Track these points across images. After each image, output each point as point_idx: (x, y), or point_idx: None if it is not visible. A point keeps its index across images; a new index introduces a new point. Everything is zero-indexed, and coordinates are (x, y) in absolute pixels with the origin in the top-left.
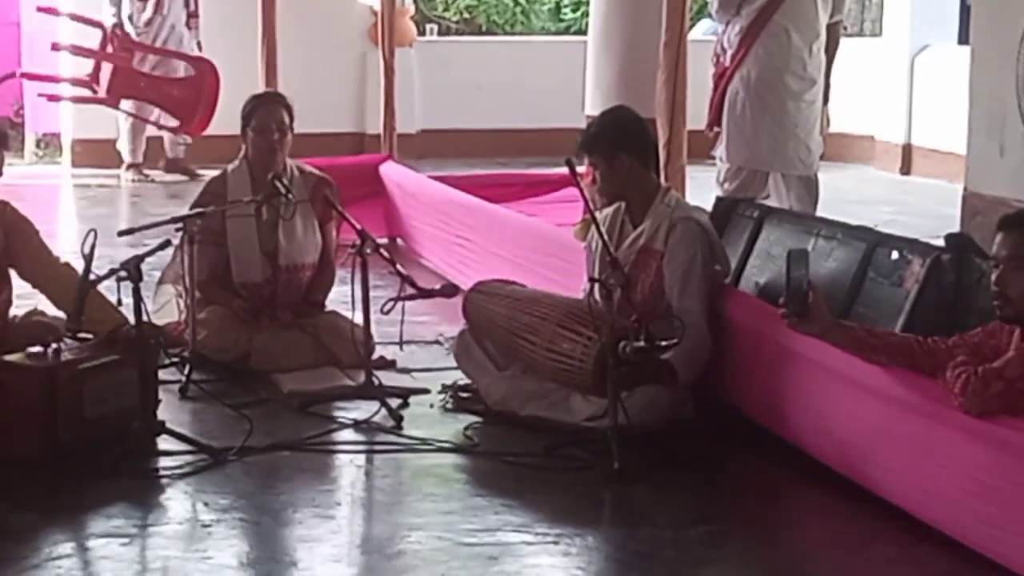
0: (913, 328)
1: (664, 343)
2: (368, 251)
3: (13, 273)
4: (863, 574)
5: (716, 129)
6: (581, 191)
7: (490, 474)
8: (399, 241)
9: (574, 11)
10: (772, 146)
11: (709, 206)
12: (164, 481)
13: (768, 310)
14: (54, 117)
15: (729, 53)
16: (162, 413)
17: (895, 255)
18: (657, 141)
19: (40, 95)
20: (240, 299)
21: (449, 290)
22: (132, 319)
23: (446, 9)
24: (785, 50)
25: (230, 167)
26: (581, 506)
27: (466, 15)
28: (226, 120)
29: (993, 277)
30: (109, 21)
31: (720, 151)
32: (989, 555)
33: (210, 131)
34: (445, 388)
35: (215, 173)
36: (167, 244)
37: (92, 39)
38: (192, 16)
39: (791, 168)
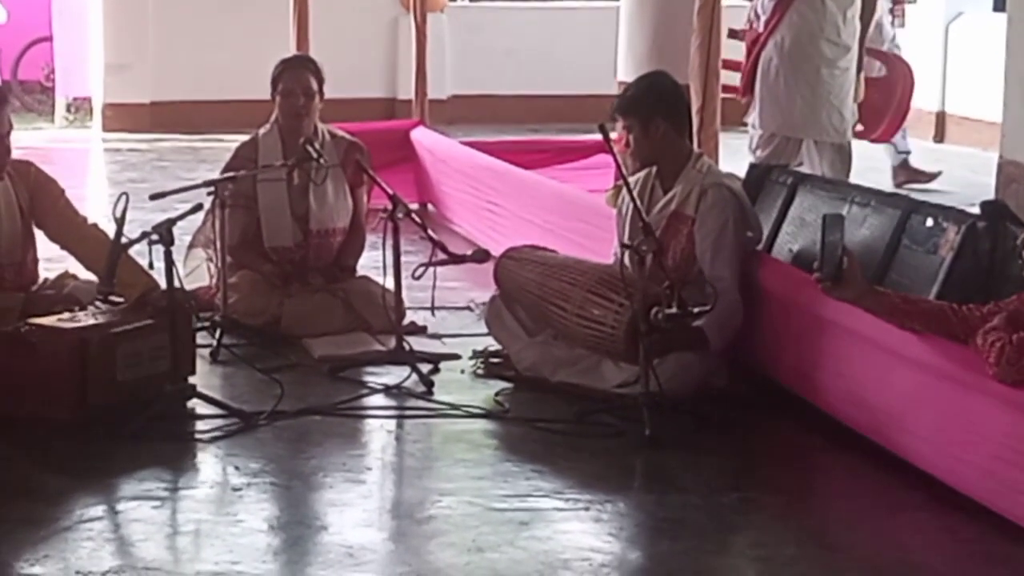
0: (947, 296)
1: (696, 310)
2: (399, 216)
3: (41, 235)
4: (893, 541)
5: (748, 96)
6: (614, 156)
7: (521, 440)
8: (430, 207)
9: None
10: (805, 113)
11: (742, 173)
12: (195, 445)
13: (801, 277)
14: (84, 81)
15: (763, 19)
16: (193, 377)
17: (930, 222)
18: (690, 107)
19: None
20: (271, 263)
21: (480, 256)
22: (163, 283)
23: None
24: (820, 16)
25: (261, 131)
26: (612, 472)
27: None
28: (256, 85)
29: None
30: None
31: (753, 118)
32: (1020, 522)
33: (238, 95)
34: (476, 354)
35: (246, 137)
36: (198, 208)
37: None
38: (897, 3)
39: (824, 135)
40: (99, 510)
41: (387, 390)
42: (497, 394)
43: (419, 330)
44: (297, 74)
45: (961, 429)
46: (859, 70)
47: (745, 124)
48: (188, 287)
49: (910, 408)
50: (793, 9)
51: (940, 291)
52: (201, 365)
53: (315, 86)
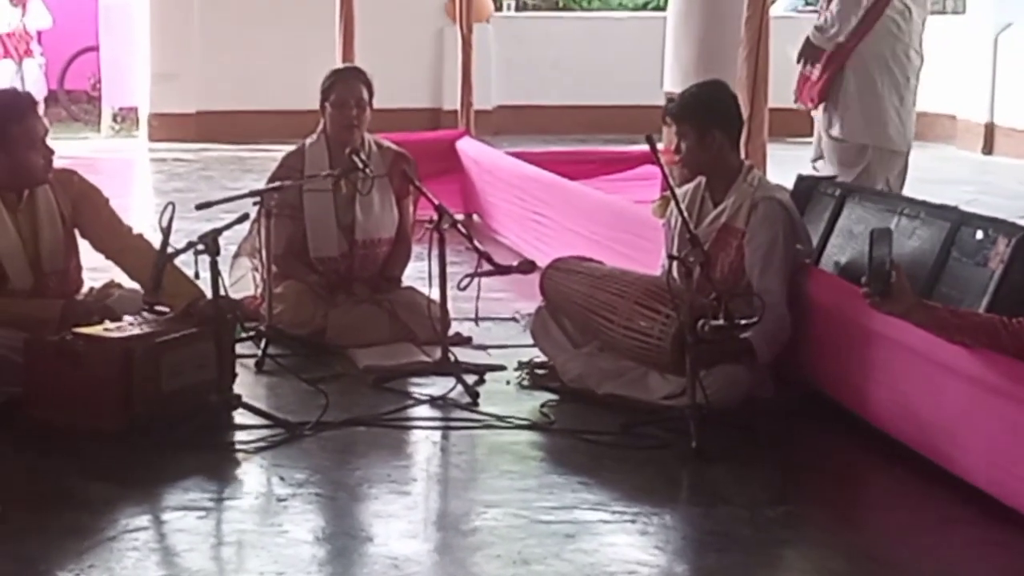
0: (998, 309)
1: (743, 322)
2: (445, 227)
3: (87, 245)
4: (943, 556)
5: (809, 106)
6: (661, 167)
7: (567, 452)
8: (475, 217)
9: None
10: (896, 123)
11: (789, 184)
12: (240, 455)
13: (849, 289)
14: (131, 91)
15: (835, 29)
16: (238, 387)
17: (979, 234)
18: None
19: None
20: (316, 274)
21: (526, 267)
22: (209, 293)
23: None
24: (909, 25)
25: (308, 141)
26: (658, 485)
27: None
28: (302, 95)
29: None
30: None
31: (837, 130)
32: None
33: (284, 105)
34: (521, 365)
35: (292, 147)
36: (244, 218)
37: None
38: None
39: (907, 145)
40: (144, 520)
41: (432, 401)
42: (543, 406)
43: (464, 341)
44: (350, 85)
45: (1012, 444)
46: None
47: (796, 135)
48: (233, 297)
49: (960, 422)
50: (886, 18)
51: (990, 304)
52: (246, 375)
53: (366, 97)
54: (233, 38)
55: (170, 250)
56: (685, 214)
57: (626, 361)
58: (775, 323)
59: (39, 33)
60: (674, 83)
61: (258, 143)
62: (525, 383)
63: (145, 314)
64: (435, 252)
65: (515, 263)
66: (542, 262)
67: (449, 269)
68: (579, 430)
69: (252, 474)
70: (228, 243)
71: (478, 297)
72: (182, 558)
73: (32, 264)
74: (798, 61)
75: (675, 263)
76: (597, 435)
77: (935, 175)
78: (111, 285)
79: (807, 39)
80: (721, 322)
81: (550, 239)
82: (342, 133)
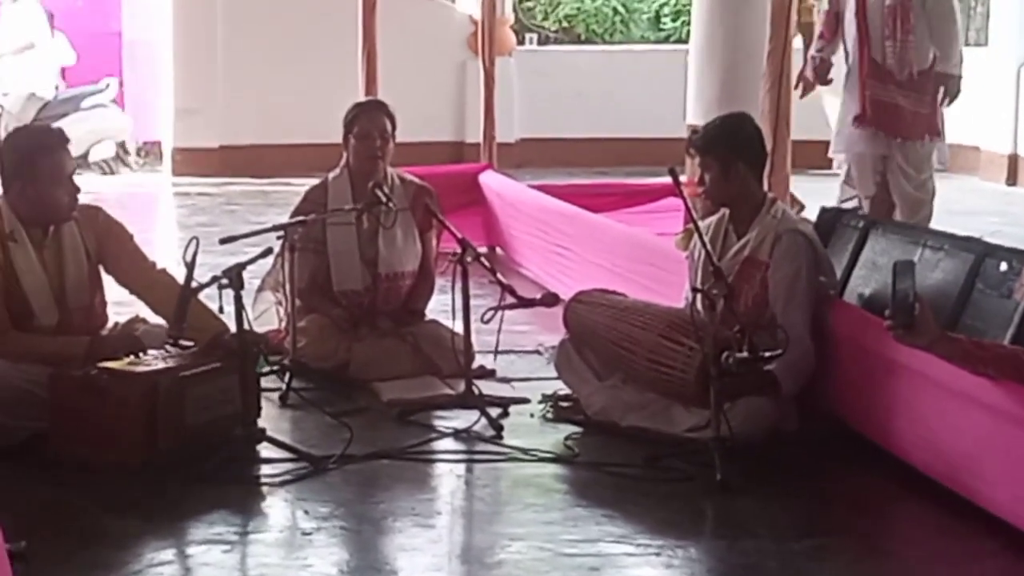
0: (1022, 340)
1: (767, 354)
2: (468, 260)
3: (111, 280)
4: None
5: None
6: (684, 200)
7: (591, 484)
8: (498, 250)
9: (674, 20)
10: None
11: (813, 217)
12: (264, 489)
13: (873, 321)
14: (154, 126)
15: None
16: (262, 421)
17: (1004, 266)
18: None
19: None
20: (340, 307)
21: (549, 299)
22: (233, 327)
23: (545, 18)
24: None
25: (331, 175)
26: (683, 517)
27: (565, 24)
28: (324, 128)
29: None
30: None
31: (938, 158)
32: None
33: (307, 139)
34: (545, 398)
35: (315, 181)
36: (268, 252)
37: None
38: None
39: None
40: (169, 554)
41: (456, 434)
42: (567, 438)
43: (488, 374)
44: (373, 117)
45: None
46: None
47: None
48: (257, 331)
49: (984, 453)
50: None
51: (1015, 335)
52: (270, 409)
53: (390, 129)
54: (256, 73)
55: (194, 285)
56: (708, 247)
57: (650, 393)
58: (799, 355)
59: (63, 69)
60: (697, 116)
61: (281, 177)
62: (549, 416)
63: (169, 348)
64: (458, 285)
65: (538, 296)
66: (565, 295)
67: (472, 302)
68: (603, 463)
69: (277, 508)
70: (252, 277)
71: (500, 330)
72: None
73: (57, 300)
74: (950, 103)
75: (699, 296)
76: (621, 468)
77: (959, 206)
78: (136, 320)
79: (956, 78)
80: (745, 355)
81: (573, 272)
82: (366, 164)
